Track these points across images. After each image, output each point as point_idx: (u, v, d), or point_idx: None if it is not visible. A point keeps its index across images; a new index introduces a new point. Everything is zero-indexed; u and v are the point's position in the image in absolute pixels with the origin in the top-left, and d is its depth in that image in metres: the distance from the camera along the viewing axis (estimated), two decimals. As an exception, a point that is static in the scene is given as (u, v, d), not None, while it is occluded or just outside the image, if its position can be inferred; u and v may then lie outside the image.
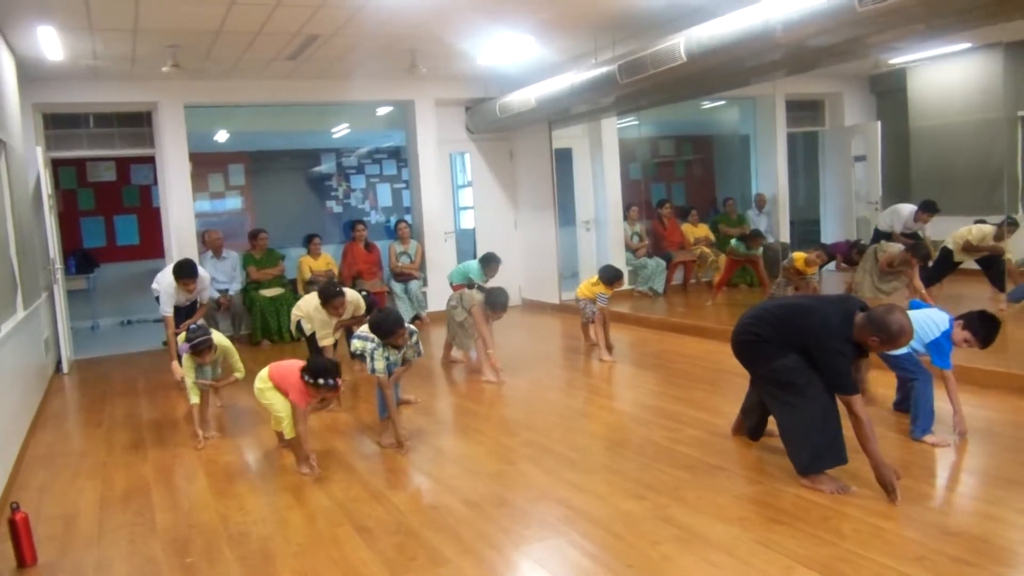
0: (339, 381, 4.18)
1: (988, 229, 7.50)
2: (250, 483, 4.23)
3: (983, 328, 3.98)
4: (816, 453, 3.56)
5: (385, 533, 3.40)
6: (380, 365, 4.67)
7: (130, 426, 5.55)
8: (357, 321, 5.89)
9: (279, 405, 4.32)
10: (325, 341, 5.83)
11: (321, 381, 4.12)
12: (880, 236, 8.48)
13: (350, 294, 5.93)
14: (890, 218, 8.84)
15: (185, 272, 6.34)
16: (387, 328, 4.66)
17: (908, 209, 8.61)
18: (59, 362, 7.72)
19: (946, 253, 7.88)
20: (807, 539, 3.05)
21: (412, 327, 4.88)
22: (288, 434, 4.32)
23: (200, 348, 4.93)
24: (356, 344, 4.83)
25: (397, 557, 3.16)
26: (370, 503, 3.76)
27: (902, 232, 8.35)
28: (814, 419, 3.55)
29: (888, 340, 3.45)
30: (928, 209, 8.37)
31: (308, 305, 5.94)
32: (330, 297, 5.71)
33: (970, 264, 7.76)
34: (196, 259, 7.51)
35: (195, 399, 4.99)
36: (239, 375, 5.18)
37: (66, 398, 6.83)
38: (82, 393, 6.95)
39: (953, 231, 7.87)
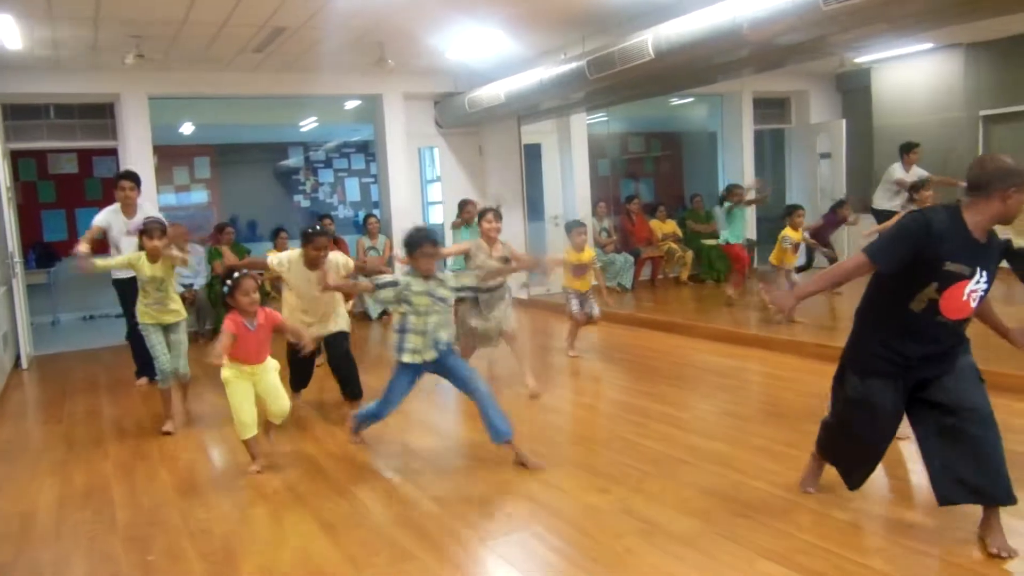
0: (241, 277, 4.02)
1: None
2: (213, 480, 4.19)
3: None
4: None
5: (349, 529, 3.39)
6: (398, 287, 3.96)
7: (91, 423, 5.46)
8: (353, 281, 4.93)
9: (233, 395, 4.11)
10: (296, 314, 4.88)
11: (227, 284, 4.03)
12: (881, 216, 8.30)
13: (333, 255, 5.03)
14: (883, 191, 8.67)
15: (121, 174, 6.19)
16: (414, 239, 4.01)
17: (894, 167, 8.59)
18: (18, 358, 7.57)
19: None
20: (768, 532, 3.09)
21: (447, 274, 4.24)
22: (240, 434, 4.16)
23: (151, 227, 4.79)
24: (383, 294, 4.07)
25: (361, 553, 3.15)
26: (334, 499, 3.74)
27: (899, 191, 8.27)
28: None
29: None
30: (908, 149, 8.38)
31: (287, 257, 4.98)
32: (311, 236, 4.81)
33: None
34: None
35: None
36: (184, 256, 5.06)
37: (25, 394, 6.70)
38: (42, 389, 6.83)
39: None
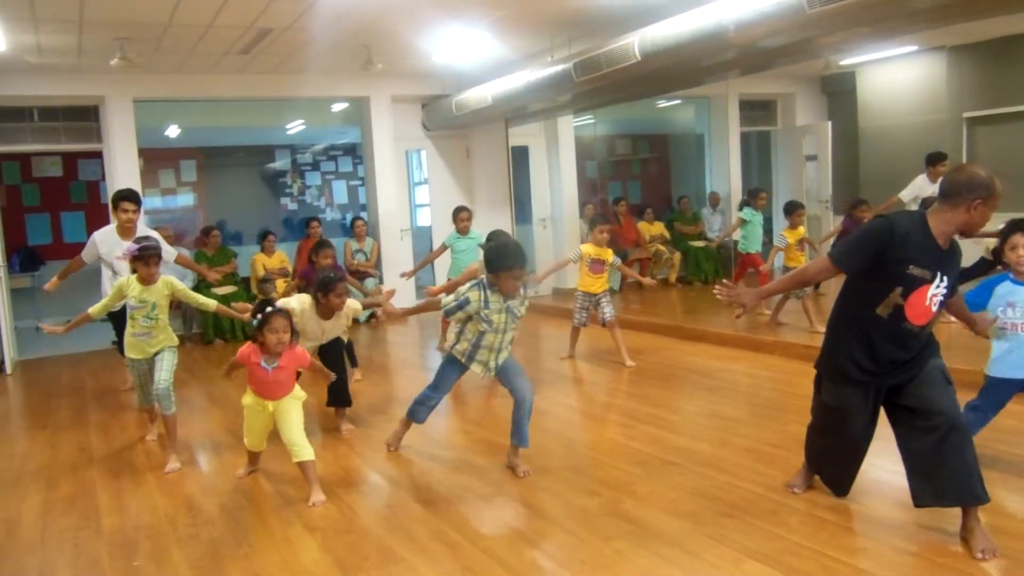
0: (273, 306, 3.76)
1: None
2: (199, 484, 4.16)
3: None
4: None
5: (337, 532, 3.37)
6: (471, 307, 3.77)
7: (76, 428, 5.41)
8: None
9: (247, 419, 4.02)
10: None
11: (257, 319, 3.73)
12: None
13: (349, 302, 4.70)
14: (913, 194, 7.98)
15: (124, 195, 5.49)
16: (504, 257, 3.66)
17: (919, 181, 7.89)
18: (2, 363, 7.51)
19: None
20: (756, 533, 3.10)
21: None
22: (249, 445, 4.10)
23: (146, 254, 4.29)
24: (457, 317, 3.92)
25: (349, 556, 3.14)
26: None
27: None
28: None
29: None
30: (933, 161, 7.73)
31: (299, 305, 4.50)
32: (332, 283, 4.38)
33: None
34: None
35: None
36: (211, 304, 4.64)
37: (9, 400, 6.65)
38: (26, 395, 6.77)
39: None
